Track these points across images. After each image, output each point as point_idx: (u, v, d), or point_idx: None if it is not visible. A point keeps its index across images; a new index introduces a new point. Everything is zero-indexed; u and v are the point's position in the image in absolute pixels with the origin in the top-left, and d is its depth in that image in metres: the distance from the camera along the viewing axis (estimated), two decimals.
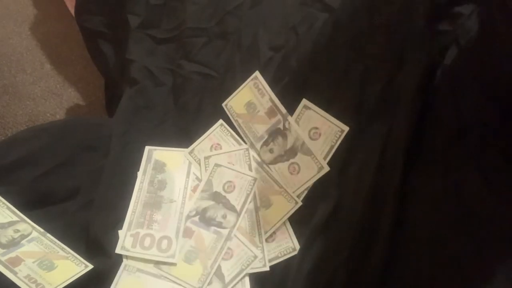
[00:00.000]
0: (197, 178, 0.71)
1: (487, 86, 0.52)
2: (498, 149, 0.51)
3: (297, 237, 0.66)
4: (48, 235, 0.60)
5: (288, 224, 0.67)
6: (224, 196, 0.68)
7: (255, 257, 0.63)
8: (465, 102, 0.55)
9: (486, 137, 0.52)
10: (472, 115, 0.54)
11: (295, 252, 0.65)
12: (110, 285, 0.60)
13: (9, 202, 0.61)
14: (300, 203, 0.68)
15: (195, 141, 0.74)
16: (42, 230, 0.60)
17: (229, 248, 0.64)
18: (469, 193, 0.52)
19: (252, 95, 0.72)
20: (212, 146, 0.73)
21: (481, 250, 0.48)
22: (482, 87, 0.53)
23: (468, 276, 0.48)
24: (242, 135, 0.73)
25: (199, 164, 0.72)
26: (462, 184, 0.53)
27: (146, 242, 0.63)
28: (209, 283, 0.61)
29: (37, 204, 0.63)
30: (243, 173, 0.70)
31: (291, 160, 0.68)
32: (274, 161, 0.70)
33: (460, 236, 0.51)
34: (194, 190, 0.69)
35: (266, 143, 0.71)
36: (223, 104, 0.74)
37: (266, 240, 0.66)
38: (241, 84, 0.72)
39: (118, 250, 0.62)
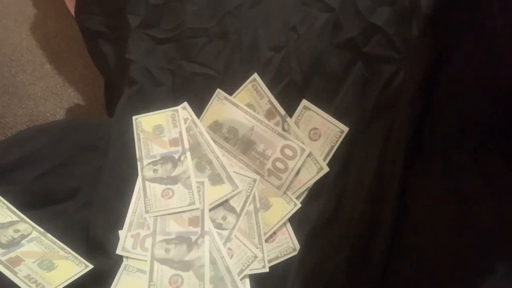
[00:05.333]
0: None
1: (487, 86, 0.52)
2: (498, 149, 0.51)
3: (297, 237, 0.66)
4: (48, 235, 0.60)
5: (288, 224, 0.67)
6: None
7: (255, 257, 0.63)
8: (465, 102, 0.55)
9: (486, 137, 0.52)
10: (472, 115, 0.54)
11: (295, 252, 0.65)
12: (110, 285, 0.60)
13: (9, 202, 0.61)
14: (299, 205, 0.68)
15: None
16: (42, 230, 0.60)
17: (229, 249, 0.64)
18: (469, 193, 0.52)
19: (251, 97, 0.72)
20: None
21: (481, 249, 0.48)
22: (482, 87, 0.53)
23: (468, 275, 0.48)
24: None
25: None
26: (462, 184, 0.53)
27: (147, 243, 0.63)
28: None
29: (37, 204, 0.63)
30: (244, 175, 0.70)
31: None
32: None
33: (460, 235, 0.51)
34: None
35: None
36: None
37: (266, 241, 0.66)
38: (241, 84, 0.72)
39: (118, 251, 0.62)
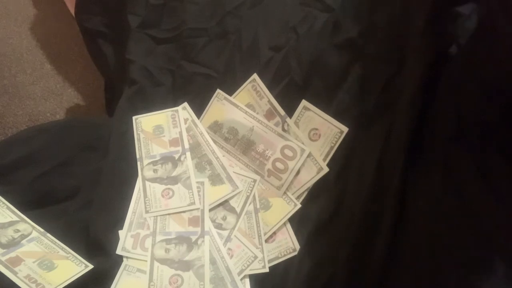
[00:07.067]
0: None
1: (487, 85, 0.52)
2: (498, 149, 0.51)
3: (297, 237, 0.66)
4: (48, 235, 0.60)
5: (288, 225, 0.68)
6: None
7: (255, 257, 0.63)
8: (465, 102, 0.55)
9: (486, 137, 0.52)
10: (472, 115, 0.54)
11: (295, 253, 0.65)
12: (110, 285, 0.60)
13: (9, 202, 0.61)
14: (299, 205, 0.68)
15: None
16: (42, 230, 0.60)
17: (229, 249, 0.64)
18: (469, 193, 0.52)
19: (250, 97, 0.72)
20: None
21: (481, 249, 0.48)
22: (482, 87, 0.53)
23: (469, 274, 0.48)
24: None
25: None
26: (462, 184, 0.53)
27: (147, 243, 0.63)
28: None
29: (37, 204, 0.63)
30: (244, 175, 0.70)
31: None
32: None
33: (460, 236, 0.51)
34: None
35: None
36: None
37: (266, 241, 0.66)
38: (241, 84, 0.72)
39: (118, 251, 0.62)
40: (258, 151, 0.70)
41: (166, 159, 0.70)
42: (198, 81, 0.74)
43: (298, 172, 0.69)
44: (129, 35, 0.75)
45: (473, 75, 0.55)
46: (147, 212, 0.65)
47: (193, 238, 0.63)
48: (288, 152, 0.69)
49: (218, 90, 0.73)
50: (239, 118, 0.71)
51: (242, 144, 0.71)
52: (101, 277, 0.60)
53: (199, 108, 0.75)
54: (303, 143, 0.69)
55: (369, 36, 0.65)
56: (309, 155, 0.68)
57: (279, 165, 0.69)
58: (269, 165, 0.69)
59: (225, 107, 0.72)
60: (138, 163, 0.70)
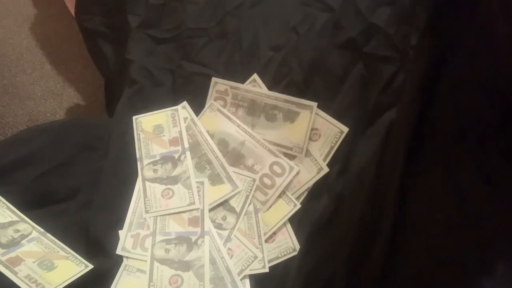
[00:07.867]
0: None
1: (487, 86, 0.53)
2: (498, 149, 0.51)
3: (297, 237, 0.66)
4: (48, 235, 0.60)
5: (288, 225, 0.67)
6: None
7: (255, 257, 0.63)
8: (465, 102, 0.55)
9: (486, 137, 0.52)
10: (472, 115, 0.54)
11: (295, 253, 0.65)
12: (110, 285, 0.60)
13: (9, 202, 0.61)
14: (299, 206, 0.68)
15: None
16: (42, 230, 0.60)
17: (229, 249, 0.64)
18: (469, 193, 0.52)
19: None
20: None
21: (481, 249, 0.48)
22: (482, 87, 0.53)
23: (468, 274, 0.48)
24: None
25: None
26: (462, 184, 0.53)
27: (147, 243, 0.63)
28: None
29: (37, 204, 0.63)
30: (243, 175, 0.70)
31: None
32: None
33: (460, 235, 0.51)
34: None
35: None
36: None
37: (266, 241, 0.66)
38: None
39: (118, 251, 0.62)
40: (247, 164, 0.70)
41: (166, 159, 0.70)
42: (198, 81, 0.74)
43: (298, 172, 0.69)
44: (129, 35, 0.75)
45: (473, 75, 0.55)
46: (147, 212, 0.65)
47: (193, 238, 0.63)
48: (277, 169, 0.68)
49: (212, 101, 0.73)
50: (231, 131, 0.71)
51: (231, 157, 0.71)
52: (101, 277, 0.60)
53: (199, 108, 0.75)
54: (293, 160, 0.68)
55: (369, 36, 0.65)
56: (309, 155, 0.68)
57: (266, 180, 0.69)
58: (256, 180, 0.69)
59: (217, 118, 0.72)
60: (138, 163, 0.70)
